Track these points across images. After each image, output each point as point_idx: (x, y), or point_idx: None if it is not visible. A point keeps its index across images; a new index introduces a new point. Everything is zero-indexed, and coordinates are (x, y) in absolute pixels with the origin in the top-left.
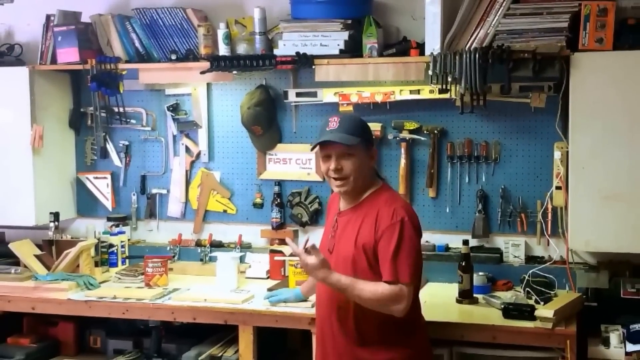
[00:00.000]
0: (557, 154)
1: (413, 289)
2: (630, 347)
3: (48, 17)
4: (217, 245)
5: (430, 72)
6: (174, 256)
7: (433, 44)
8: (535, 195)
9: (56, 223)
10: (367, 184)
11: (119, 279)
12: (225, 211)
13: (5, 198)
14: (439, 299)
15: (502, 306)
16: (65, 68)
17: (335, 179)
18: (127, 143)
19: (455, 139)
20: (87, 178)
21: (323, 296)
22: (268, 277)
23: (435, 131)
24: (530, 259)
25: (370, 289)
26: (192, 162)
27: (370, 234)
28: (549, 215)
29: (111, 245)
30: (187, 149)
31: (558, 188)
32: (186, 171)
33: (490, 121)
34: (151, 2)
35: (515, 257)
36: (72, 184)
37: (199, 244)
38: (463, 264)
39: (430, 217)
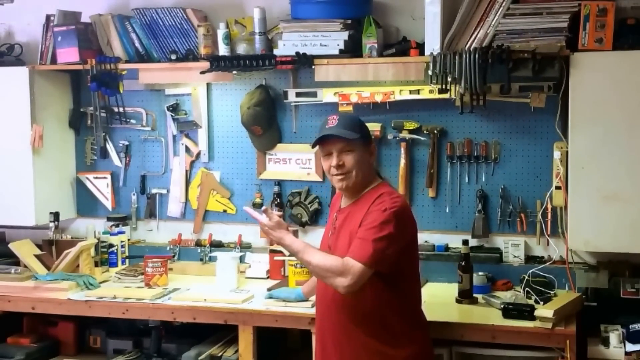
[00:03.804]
0: (556, 154)
1: (368, 273)
2: (630, 347)
3: (48, 17)
4: (217, 245)
5: (430, 72)
6: (173, 256)
7: (433, 44)
8: (535, 195)
9: (56, 223)
10: (366, 180)
11: (119, 278)
12: (225, 211)
13: (5, 198)
14: (438, 299)
15: (502, 306)
16: (65, 68)
17: (337, 174)
18: (127, 143)
19: (455, 139)
20: (87, 178)
21: (323, 294)
22: (268, 277)
23: (435, 131)
24: (530, 259)
25: (321, 256)
26: (192, 162)
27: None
28: (549, 215)
29: (111, 245)
30: (187, 149)
31: (558, 188)
32: (186, 171)
33: (489, 121)
34: (151, 2)
35: (514, 257)
36: (72, 184)
37: (198, 244)
38: (463, 263)
39: (429, 217)
